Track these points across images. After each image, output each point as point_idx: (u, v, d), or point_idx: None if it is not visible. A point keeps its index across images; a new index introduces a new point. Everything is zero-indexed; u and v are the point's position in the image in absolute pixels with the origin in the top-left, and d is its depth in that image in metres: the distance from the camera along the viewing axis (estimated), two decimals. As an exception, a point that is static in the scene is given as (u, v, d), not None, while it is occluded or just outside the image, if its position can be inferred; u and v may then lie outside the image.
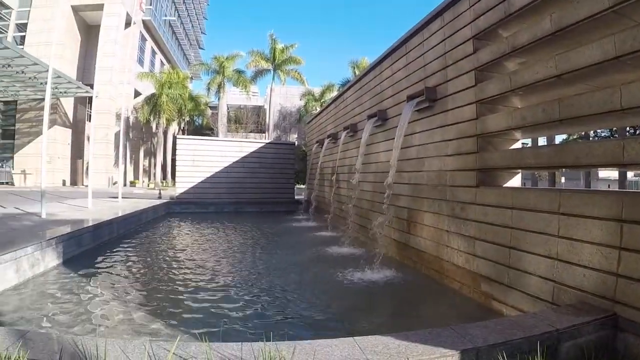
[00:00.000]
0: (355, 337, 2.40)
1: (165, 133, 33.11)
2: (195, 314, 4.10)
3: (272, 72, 33.39)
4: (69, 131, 29.36)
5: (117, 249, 7.41)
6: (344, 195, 10.35)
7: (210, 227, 11.19)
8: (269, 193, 16.84)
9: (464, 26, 4.92)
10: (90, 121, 28.11)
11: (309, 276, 5.88)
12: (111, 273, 5.69)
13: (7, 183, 26.90)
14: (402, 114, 6.27)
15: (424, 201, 5.80)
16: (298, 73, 34.13)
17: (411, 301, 4.74)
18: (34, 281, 5.08)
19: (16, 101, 27.03)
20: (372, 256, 6.19)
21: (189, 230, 10.81)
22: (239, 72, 33.42)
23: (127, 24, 30.01)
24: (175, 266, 6.27)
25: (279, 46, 32.59)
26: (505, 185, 4.34)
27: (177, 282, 5.29)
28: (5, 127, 28.13)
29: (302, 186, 21.66)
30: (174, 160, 30.27)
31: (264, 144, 17.81)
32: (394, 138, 6.59)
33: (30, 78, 20.98)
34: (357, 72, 31.31)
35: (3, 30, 27.80)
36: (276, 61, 32.66)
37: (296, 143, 23.93)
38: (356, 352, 2.23)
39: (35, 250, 5.37)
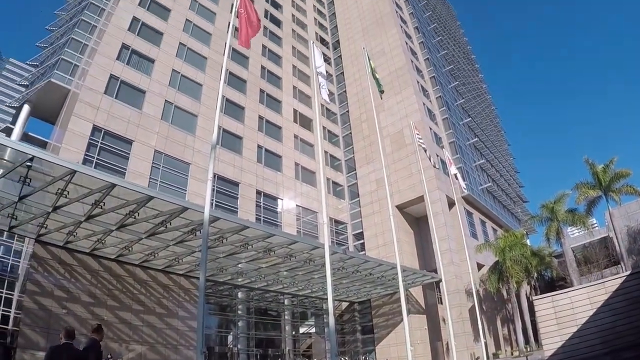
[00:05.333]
0: None
1: (517, 296, 32.83)
2: None
3: (603, 197, 30.30)
4: (424, 317, 31.65)
5: None
6: None
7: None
8: (644, 332, 13.67)
9: None
10: (441, 303, 30.62)
11: None
12: None
13: (372, 373, 29.95)
14: None
15: None
16: (630, 187, 29.67)
17: None
18: None
19: (369, 299, 31.60)
20: None
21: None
22: (572, 211, 31.93)
23: (450, 204, 32.78)
24: None
25: (599, 168, 29.84)
26: None
27: None
28: (363, 323, 32.55)
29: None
30: (533, 322, 29.53)
31: (624, 278, 15.75)
32: None
33: (378, 277, 24.25)
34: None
35: (344, 242, 34.44)
36: (602, 184, 29.61)
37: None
38: None
39: None
